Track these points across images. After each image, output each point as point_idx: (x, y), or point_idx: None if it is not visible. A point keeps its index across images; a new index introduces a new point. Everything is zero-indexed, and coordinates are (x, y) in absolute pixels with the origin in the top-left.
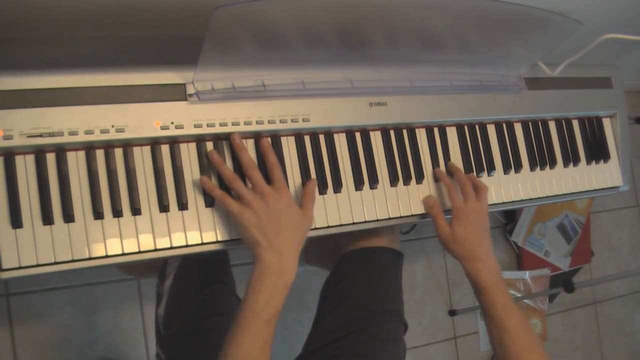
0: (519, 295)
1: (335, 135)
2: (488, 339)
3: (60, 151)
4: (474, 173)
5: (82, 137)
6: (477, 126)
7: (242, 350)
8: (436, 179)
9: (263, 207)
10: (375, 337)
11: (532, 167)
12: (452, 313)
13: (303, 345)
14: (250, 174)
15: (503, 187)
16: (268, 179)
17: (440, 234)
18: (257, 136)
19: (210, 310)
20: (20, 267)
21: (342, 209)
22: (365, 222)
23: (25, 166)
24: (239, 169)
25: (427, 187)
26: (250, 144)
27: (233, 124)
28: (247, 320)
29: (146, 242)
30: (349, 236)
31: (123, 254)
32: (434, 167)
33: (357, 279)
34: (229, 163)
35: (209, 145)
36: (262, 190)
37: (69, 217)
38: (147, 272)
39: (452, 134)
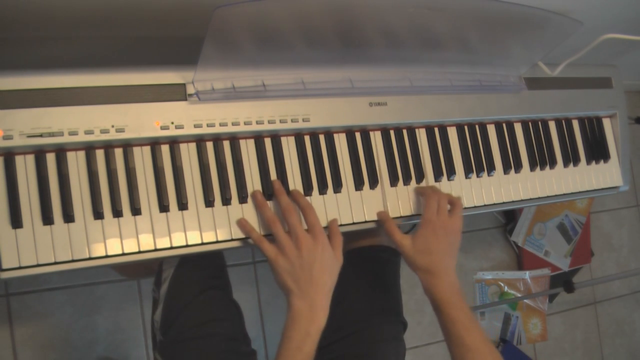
0: (519, 295)
1: (335, 135)
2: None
3: (60, 151)
4: (474, 173)
5: (82, 137)
6: (477, 126)
7: None
8: (417, 191)
9: (297, 255)
10: (374, 338)
11: (532, 167)
12: None
13: None
14: (288, 218)
15: (503, 187)
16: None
17: (398, 247)
18: (257, 136)
19: (208, 316)
20: (20, 267)
21: (342, 209)
22: (365, 222)
23: (25, 166)
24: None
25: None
26: (250, 144)
27: (233, 124)
28: None
29: (146, 242)
30: (348, 236)
31: (123, 254)
32: (434, 167)
33: (355, 278)
34: (230, 166)
35: (209, 145)
36: (298, 236)
37: (69, 217)
38: (143, 275)
39: (452, 134)
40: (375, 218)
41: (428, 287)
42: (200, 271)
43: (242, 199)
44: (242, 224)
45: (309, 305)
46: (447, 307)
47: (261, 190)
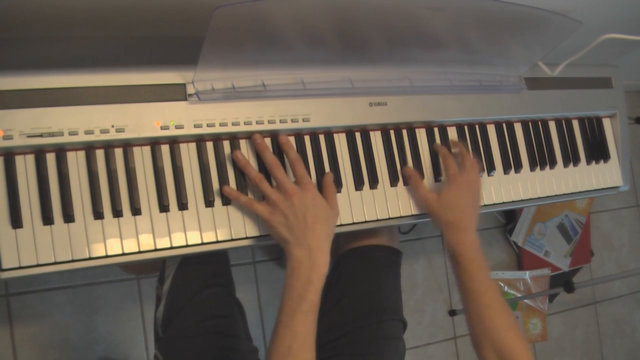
0: (519, 295)
1: (335, 135)
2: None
3: (60, 151)
4: None
5: (82, 137)
6: (477, 126)
7: (283, 346)
8: (436, 149)
9: (289, 206)
10: (374, 336)
11: (532, 167)
12: (452, 313)
13: None
14: (275, 173)
15: (503, 187)
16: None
17: (424, 202)
18: None
19: (209, 313)
20: (20, 267)
21: (342, 209)
22: (365, 222)
23: (25, 166)
24: (237, 167)
25: (427, 187)
26: (250, 144)
27: (233, 124)
28: (285, 316)
29: (146, 242)
30: (348, 235)
31: (123, 254)
32: (433, 167)
33: (355, 277)
34: (230, 166)
35: (209, 146)
36: (287, 189)
37: (69, 217)
38: (147, 272)
39: (452, 134)
40: (374, 218)
41: (452, 242)
42: (203, 268)
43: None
44: (227, 191)
45: (307, 252)
46: (469, 263)
47: (257, 169)
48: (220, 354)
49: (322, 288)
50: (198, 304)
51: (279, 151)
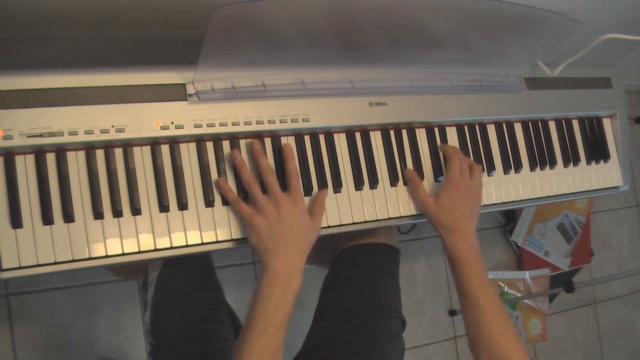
0: (519, 295)
1: (335, 135)
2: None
3: (60, 151)
4: None
5: (82, 137)
6: (477, 126)
7: (255, 356)
8: (441, 150)
9: (275, 215)
10: (373, 334)
11: (532, 167)
12: (452, 313)
13: (303, 342)
14: (267, 179)
15: (503, 187)
16: (284, 185)
17: (422, 205)
18: (257, 136)
19: (196, 317)
20: (20, 267)
21: (342, 209)
22: (365, 222)
23: (25, 166)
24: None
25: (427, 187)
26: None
27: (233, 124)
28: (258, 327)
29: (146, 242)
30: (347, 234)
31: (123, 254)
32: (433, 167)
33: (354, 275)
34: (229, 166)
35: (209, 146)
36: (277, 197)
37: (69, 217)
38: (134, 276)
39: (452, 134)
40: (374, 218)
41: (448, 245)
42: (186, 273)
43: (242, 199)
44: (221, 183)
45: (285, 265)
46: (464, 266)
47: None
48: (211, 358)
49: (321, 287)
50: (184, 310)
51: (279, 159)
